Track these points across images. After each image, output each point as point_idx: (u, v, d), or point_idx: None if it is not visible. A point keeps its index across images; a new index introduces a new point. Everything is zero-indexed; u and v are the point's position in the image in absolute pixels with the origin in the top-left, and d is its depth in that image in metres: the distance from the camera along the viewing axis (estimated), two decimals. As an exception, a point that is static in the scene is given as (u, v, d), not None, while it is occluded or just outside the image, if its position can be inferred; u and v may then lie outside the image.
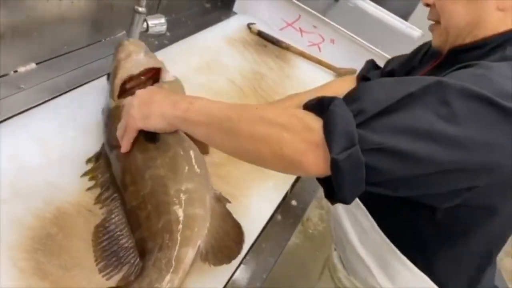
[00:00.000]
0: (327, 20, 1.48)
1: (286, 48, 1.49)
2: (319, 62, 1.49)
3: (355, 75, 1.17)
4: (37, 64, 0.99)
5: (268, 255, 0.86)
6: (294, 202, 1.02)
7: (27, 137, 0.80)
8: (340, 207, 0.88)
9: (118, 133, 0.77)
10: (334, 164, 0.55)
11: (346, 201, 0.60)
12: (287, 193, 1.01)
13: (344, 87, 1.05)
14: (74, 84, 0.98)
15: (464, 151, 0.56)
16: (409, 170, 0.58)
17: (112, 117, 0.83)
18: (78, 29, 1.06)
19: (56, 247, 0.66)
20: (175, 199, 0.69)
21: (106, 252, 0.66)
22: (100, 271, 0.65)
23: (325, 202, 2.67)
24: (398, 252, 0.79)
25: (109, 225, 0.69)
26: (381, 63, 1.25)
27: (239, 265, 0.79)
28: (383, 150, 0.56)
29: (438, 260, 0.78)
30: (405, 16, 2.93)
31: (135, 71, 0.88)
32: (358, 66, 1.49)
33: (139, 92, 0.74)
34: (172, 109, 0.69)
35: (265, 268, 0.83)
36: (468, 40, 0.75)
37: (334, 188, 0.58)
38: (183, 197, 0.70)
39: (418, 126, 0.56)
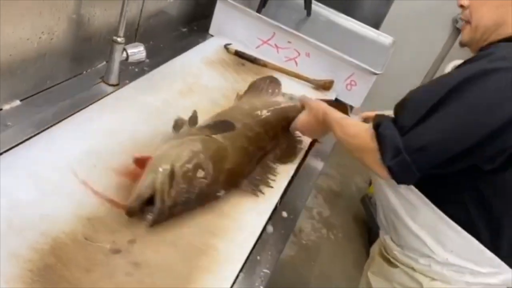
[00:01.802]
0: (301, 35, 1.53)
1: (264, 65, 1.53)
2: (297, 76, 1.53)
3: None
4: (21, 100, 1.00)
5: (263, 266, 0.88)
6: (284, 214, 1.04)
7: (19, 172, 0.81)
8: (390, 192, 1.03)
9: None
10: (389, 169, 0.84)
11: (409, 184, 0.93)
12: (276, 205, 1.03)
13: None
14: (60, 117, 0.99)
15: (476, 125, 0.80)
16: (447, 154, 0.82)
17: None
18: (59, 63, 1.09)
19: (55, 277, 0.68)
20: None
21: None
22: None
23: (316, 213, 2.66)
24: (447, 218, 0.94)
25: None
26: (357, 72, 1.31)
27: (236, 279, 0.81)
28: (424, 148, 0.81)
29: (481, 223, 0.92)
30: (376, 25, 3.02)
31: None
32: (334, 76, 1.54)
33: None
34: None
35: (261, 280, 0.85)
36: (492, 38, 0.91)
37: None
38: None
39: (443, 122, 0.81)
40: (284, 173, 1.10)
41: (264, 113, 1.12)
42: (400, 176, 0.85)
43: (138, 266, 0.74)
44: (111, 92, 1.14)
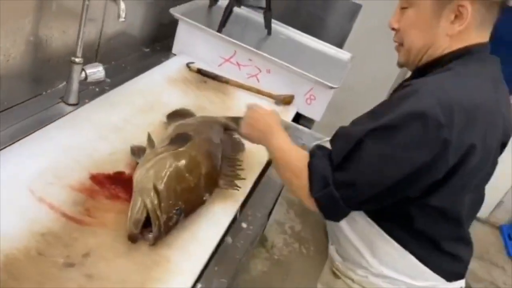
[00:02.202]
0: (261, 52, 1.57)
1: (226, 81, 1.57)
2: (259, 92, 1.58)
3: None
4: (-22, 121, 1.01)
5: (221, 277, 0.90)
6: (244, 224, 1.06)
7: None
8: None
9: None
10: (316, 200, 0.87)
11: (337, 221, 0.94)
12: (236, 216, 1.05)
13: None
14: (18, 136, 1.00)
15: (404, 163, 0.81)
16: (375, 191, 0.84)
17: None
18: (18, 84, 1.10)
19: (6, 293, 0.68)
20: None
21: None
22: None
23: (288, 227, 2.69)
24: (383, 232, 0.96)
25: None
26: (315, 86, 1.35)
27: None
28: (352, 184, 0.84)
29: (414, 240, 0.95)
30: (340, 42, 3.12)
31: None
32: (295, 91, 1.59)
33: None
34: (265, 134, 1.05)
35: (219, 290, 0.87)
36: (425, 59, 0.95)
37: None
38: None
39: (370, 160, 0.83)
40: (243, 185, 1.12)
41: (208, 118, 1.23)
42: (327, 209, 0.88)
43: (91, 278, 0.75)
44: (70, 112, 1.15)
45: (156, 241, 0.84)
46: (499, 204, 3.38)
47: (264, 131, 1.06)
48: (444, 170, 0.83)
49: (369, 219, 0.97)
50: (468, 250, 1.03)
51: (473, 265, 2.94)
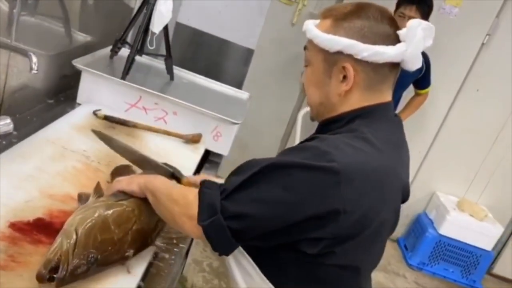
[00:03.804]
0: (166, 96, 1.67)
1: (134, 126, 1.63)
2: (167, 133, 1.66)
3: None
4: None
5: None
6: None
7: None
8: (231, 262, 0.99)
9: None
10: (202, 229, 0.85)
11: (226, 254, 0.90)
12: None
13: None
14: None
15: (294, 208, 0.82)
16: (263, 229, 0.84)
17: None
18: None
19: None
20: None
21: None
22: None
23: (206, 265, 2.74)
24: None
25: None
26: (220, 123, 1.46)
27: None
28: (240, 216, 0.83)
29: None
30: (239, 83, 3.35)
31: None
32: (202, 130, 1.71)
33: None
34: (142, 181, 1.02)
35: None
36: (331, 115, 0.98)
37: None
38: None
39: (262, 196, 0.83)
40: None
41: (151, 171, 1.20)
42: (215, 239, 0.85)
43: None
44: (-21, 166, 1.14)
45: (60, 285, 0.83)
46: (394, 219, 3.74)
47: (144, 178, 1.04)
48: (334, 231, 0.83)
49: (263, 277, 0.94)
50: None
51: (379, 276, 3.21)
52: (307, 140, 0.94)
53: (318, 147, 0.85)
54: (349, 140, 0.88)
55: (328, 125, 1.00)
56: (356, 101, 0.95)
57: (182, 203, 0.91)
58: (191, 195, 0.90)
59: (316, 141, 0.89)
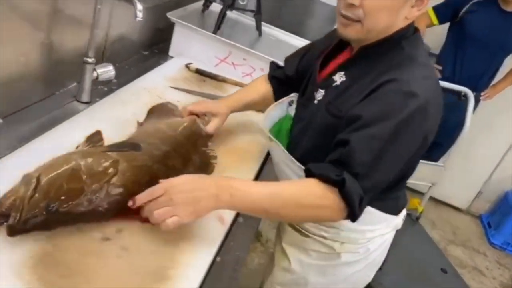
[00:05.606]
0: (254, 51, 1.67)
1: (223, 80, 1.66)
2: (254, 89, 1.67)
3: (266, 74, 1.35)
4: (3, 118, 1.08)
5: (236, 250, 0.99)
6: (240, 219, 1.08)
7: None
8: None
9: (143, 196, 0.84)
10: (355, 216, 0.90)
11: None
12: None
13: (262, 87, 1.33)
14: (37, 133, 1.07)
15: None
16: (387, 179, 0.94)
17: None
18: (35, 83, 1.17)
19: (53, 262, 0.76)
20: None
21: None
22: None
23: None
24: None
25: None
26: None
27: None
28: (376, 186, 0.92)
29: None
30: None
31: None
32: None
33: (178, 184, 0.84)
34: (216, 204, 0.85)
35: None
36: (375, 38, 0.97)
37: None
38: None
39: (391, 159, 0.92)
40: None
41: (170, 132, 1.10)
42: (360, 214, 0.91)
43: (127, 249, 0.83)
44: (84, 109, 1.23)
45: (12, 234, 0.75)
46: (478, 194, 3.54)
47: (213, 193, 0.85)
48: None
49: None
50: (404, 190, 1.19)
51: (457, 252, 3.09)
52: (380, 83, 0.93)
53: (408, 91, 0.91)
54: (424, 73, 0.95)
55: (368, 50, 1.00)
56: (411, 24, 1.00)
57: (329, 205, 0.89)
58: (320, 191, 0.89)
59: (401, 83, 0.92)
